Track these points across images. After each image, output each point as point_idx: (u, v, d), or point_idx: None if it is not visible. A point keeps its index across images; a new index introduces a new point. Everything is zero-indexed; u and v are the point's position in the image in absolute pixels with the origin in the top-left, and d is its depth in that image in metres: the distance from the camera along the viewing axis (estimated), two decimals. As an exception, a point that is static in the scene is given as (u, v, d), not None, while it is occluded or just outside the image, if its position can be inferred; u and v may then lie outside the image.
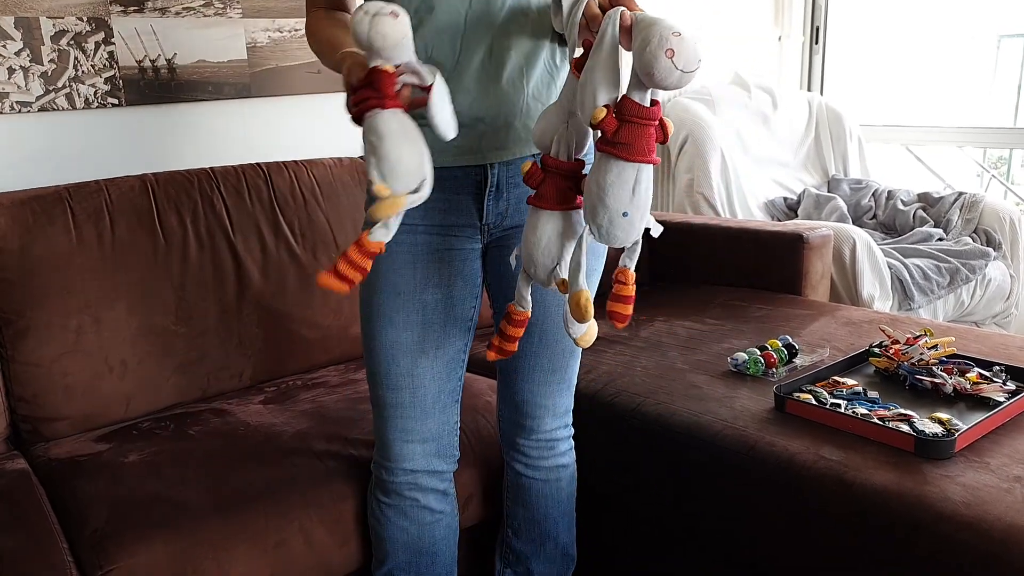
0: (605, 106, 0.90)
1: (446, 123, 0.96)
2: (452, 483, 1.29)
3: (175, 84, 1.77)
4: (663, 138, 0.91)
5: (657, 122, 0.90)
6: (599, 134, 0.91)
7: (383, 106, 0.91)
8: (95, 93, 1.67)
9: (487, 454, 1.44)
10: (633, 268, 0.97)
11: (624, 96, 0.90)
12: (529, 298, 1.06)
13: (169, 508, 1.21)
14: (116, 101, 1.70)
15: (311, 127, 2.00)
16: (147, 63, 1.73)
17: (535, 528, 1.37)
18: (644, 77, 0.87)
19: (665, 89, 0.87)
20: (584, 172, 0.97)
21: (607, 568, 1.60)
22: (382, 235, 0.92)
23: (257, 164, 1.77)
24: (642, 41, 0.85)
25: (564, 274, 1.00)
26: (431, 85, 0.93)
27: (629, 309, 0.97)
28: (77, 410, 1.50)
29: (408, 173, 0.92)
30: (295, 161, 1.82)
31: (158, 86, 1.75)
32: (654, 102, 0.90)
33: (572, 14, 0.94)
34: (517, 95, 1.09)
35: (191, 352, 1.62)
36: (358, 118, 0.92)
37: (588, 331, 1.03)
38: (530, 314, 1.07)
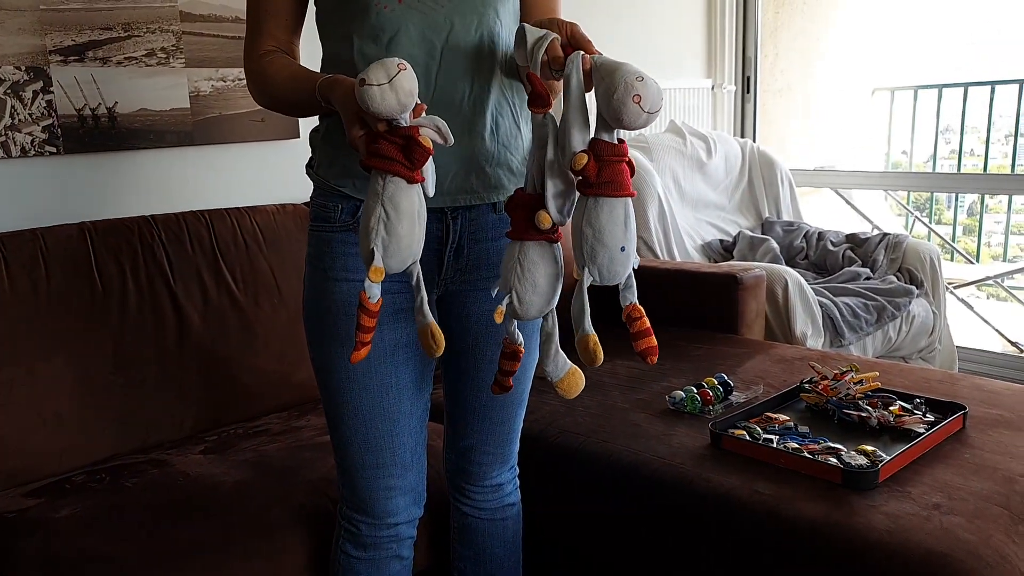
0: (583, 152, 0.92)
1: (433, 183, 0.97)
2: None
3: (116, 132, 1.77)
4: (632, 171, 0.95)
5: (627, 158, 0.93)
6: (579, 179, 0.92)
7: (411, 180, 0.91)
8: (32, 141, 1.66)
9: (431, 500, 1.44)
10: (636, 300, 0.96)
11: (595, 139, 0.93)
12: (518, 331, 1.02)
13: (102, 565, 1.18)
14: (54, 149, 1.69)
15: (254, 175, 2.01)
16: (87, 111, 1.72)
17: (481, 569, 1.36)
18: (612, 121, 0.90)
19: (632, 130, 0.91)
20: (545, 206, 0.97)
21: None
22: (377, 291, 0.94)
23: (199, 211, 1.77)
24: (607, 88, 0.88)
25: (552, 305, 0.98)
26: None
27: (655, 340, 0.95)
28: (6, 466, 1.46)
29: (409, 256, 0.94)
30: (237, 208, 1.82)
31: (98, 134, 1.74)
32: (620, 140, 0.93)
33: (535, 52, 0.95)
34: (491, 141, 1.10)
35: (129, 402, 1.59)
36: (367, 167, 0.91)
37: (571, 379, 1.00)
38: (523, 348, 1.03)
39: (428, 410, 1.24)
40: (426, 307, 0.99)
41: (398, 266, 0.94)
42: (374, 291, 0.93)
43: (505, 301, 0.97)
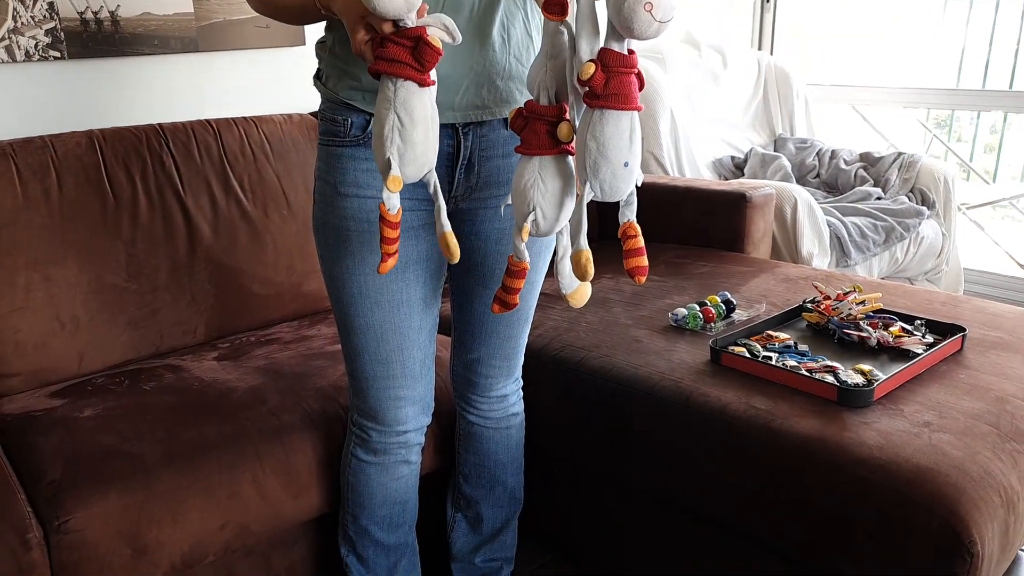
0: (591, 61, 0.90)
1: (434, 91, 0.94)
2: None
3: (119, 37, 1.74)
4: (641, 85, 0.93)
5: (636, 69, 0.91)
6: (585, 90, 0.91)
7: (422, 83, 0.89)
8: (36, 45, 1.64)
9: (438, 407, 1.49)
10: (634, 218, 0.96)
11: (604, 48, 0.90)
12: (525, 249, 1.00)
13: (123, 461, 1.24)
14: (58, 54, 1.67)
15: (260, 83, 1.98)
16: (89, 15, 1.69)
17: (485, 474, 1.43)
18: (622, 30, 0.87)
19: (643, 40, 0.88)
20: (566, 117, 0.96)
21: (552, 513, 1.68)
22: (396, 202, 0.93)
23: (206, 121, 1.76)
24: None
25: (561, 223, 0.98)
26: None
27: (646, 260, 0.95)
28: (29, 366, 1.51)
29: (425, 163, 0.92)
30: (244, 118, 1.81)
31: (101, 39, 1.72)
32: (630, 51, 0.91)
33: None
34: (502, 52, 1.08)
35: (143, 309, 1.63)
36: (376, 73, 0.89)
37: (580, 291, 1.02)
38: (528, 264, 1.01)
39: (437, 324, 1.26)
40: (444, 215, 0.99)
41: (415, 174, 0.93)
42: (393, 202, 0.93)
43: (530, 219, 0.97)
